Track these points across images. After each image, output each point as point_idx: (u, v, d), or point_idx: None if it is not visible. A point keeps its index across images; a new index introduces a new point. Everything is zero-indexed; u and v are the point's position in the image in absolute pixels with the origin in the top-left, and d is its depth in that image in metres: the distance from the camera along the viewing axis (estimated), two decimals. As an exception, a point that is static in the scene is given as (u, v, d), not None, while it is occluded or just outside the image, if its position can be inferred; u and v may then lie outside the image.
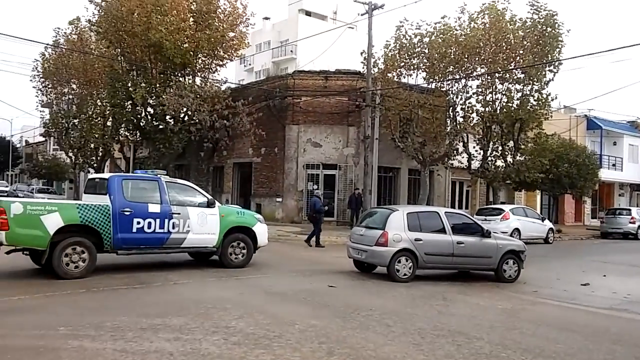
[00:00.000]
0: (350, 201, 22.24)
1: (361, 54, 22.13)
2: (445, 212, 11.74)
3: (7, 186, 45.00)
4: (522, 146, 24.47)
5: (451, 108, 23.15)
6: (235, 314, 7.16)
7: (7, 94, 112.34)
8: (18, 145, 64.10)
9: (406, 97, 21.71)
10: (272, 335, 6.22)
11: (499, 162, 24.63)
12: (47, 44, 29.99)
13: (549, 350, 6.13)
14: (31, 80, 31.38)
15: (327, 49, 32.33)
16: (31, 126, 55.86)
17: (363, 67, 22.23)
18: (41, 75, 30.89)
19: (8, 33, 33.06)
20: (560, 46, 22.29)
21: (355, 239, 11.87)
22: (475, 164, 24.84)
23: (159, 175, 11.08)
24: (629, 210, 27.70)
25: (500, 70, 21.74)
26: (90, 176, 13.79)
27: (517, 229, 21.04)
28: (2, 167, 60.08)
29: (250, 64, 59.56)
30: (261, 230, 12.00)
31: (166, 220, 10.43)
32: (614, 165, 36.29)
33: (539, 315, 8.25)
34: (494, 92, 23.23)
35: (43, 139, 47.28)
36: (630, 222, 26.25)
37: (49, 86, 31.15)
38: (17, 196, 32.37)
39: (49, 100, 32.09)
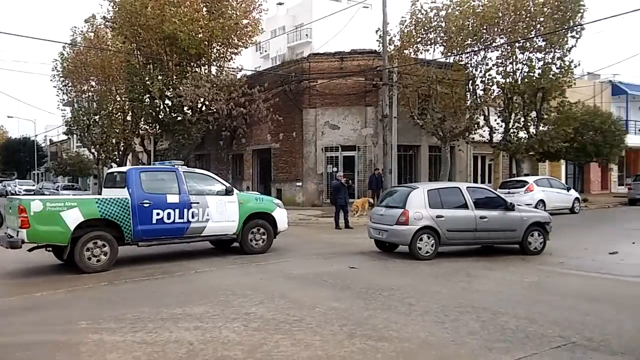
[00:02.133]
0: (371, 182, 22.05)
1: (376, 32, 21.74)
2: (467, 187, 11.51)
3: (33, 185, 45.96)
4: (545, 116, 23.89)
5: (470, 81, 22.68)
6: (256, 300, 7.13)
7: (30, 95, 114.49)
8: (42, 145, 65.36)
9: (424, 73, 21.30)
10: (292, 319, 6.16)
11: (522, 134, 24.09)
12: (65, 43, 30.34)
13: (577, 322, 5.95)
14: (51, 80, 31.88)
15: (342, 30, 31.96)
16: (54, 125, 56.87)
17: (379, 46, 21.84)
18: (61, 74, 31.32)
19: (27, 34, 33.44)
20: (581, 10, 21.56)
21: (375, 219, 11.74)
22: (497, 137, 24.37)
23: (176, 166, 11.09)
24: (658, 175, 26.87)
25: (520, 39, 21.15)
26: (108, 170, 13.88)
27: (541, 200, 20.63)
28: (28, 167, 61.36)
29: (265, 51, 59.32)
30: (281, 216, 11.96)
31: (185, 210, 10.44)
32: (640, 130, 35.24)
33: (566, 287, 8.03)
34: (514, 63, 22.65)
35: (66, 137, 48.10)
36: (660, 188, 25.47)
37: (69, 85, 31.58)
38: (44, 194, 33.04)
39: (70, 99, 32.55)
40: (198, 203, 10.63)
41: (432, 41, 21.53)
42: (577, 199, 22.68)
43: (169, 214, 10.25)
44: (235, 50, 24.88)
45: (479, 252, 11.69)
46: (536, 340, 5.31)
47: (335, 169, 24.13)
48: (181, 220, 10.40)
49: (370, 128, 24.15)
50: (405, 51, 21.67)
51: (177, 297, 7.37)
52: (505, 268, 9.80)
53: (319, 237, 15.14)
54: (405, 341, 5.35)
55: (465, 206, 11.03)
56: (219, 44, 24.03)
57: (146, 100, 25.35)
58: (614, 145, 27.07)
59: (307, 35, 54.83)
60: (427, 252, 10.67)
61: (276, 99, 24.08)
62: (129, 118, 30.12)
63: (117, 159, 31.82)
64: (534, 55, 22.18)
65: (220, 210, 10.93)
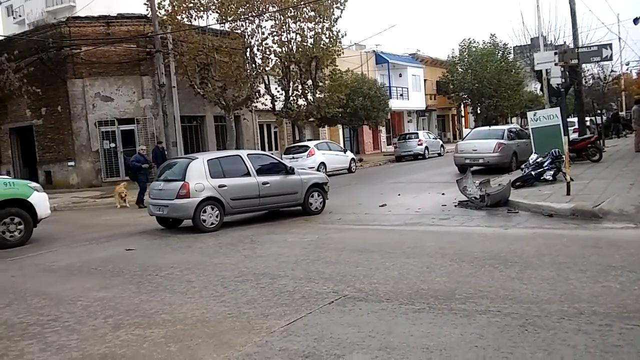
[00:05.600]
0: (155, 156, 20.72)
1: (143, -5, 20.15)
2: (248, 155, 11.42)
3: None
4: (320, 83, 25.22)
5: (248, 50, 22.66)
6: (1, 303, 5.93)
7: None
8: None
9: (200, 41, 20.54)
10: (45, 320, 5.23)
11: (301, 101, 25.12)
12: None
13: (350, 275, 6.18)
14: None
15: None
16: None
17: (147, 10, 20.28)
18: None
19: None
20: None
21: (154, 194, 10.95)
22: (279, 105, 25.00)
23: None
24: (417, 134, 30.70)
25: (290, 8, 21.72)
26: None
27: (323, 163, 21.92)
28: None
29: (20, 15, 51.25)
30: (40, 201, 10.36)
31: None
32: (401, 95, 39.81)
33: (342, 242, 8.44)
34: (288, 32, 23.31)
35: None
36: (418, 145, 29.12)
37: None
38: None
39: None
40: None
41: (205, 7, 20.82)
42: (353, 159, 24.64)
43: None
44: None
45: (266, 218, 11.78)
46: (311, 299, 5.33)
47: (113, 145, 22.19)
48: None
49: (148, 99, 22.60)
50: (178, 17, 20.56)
51: None
52: (288, 230, 9.97)
53: (96, 220, 13.68)
54: (179, 323, 4.90)
55: (247, 174, 10.93)
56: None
57: None
58: (380, 109, 30.00)
59: (69, -3, 48.83)
60: (212, 224, 10.31)
61: (31, 69, 20.87)
62: None
63: None
64: (305, 25, 23.08)
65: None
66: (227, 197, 10.45)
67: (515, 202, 10.63)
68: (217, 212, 10.36)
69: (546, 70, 11.87)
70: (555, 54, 9.92)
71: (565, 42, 18.95)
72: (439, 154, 30.14)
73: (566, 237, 7.60)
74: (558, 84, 11.34)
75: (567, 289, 5.14)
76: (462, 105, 45.18)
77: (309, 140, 26.30)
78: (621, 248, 6.65)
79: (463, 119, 48.16)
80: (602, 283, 5.26)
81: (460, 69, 39.90)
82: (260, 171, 11.11)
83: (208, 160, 10.59)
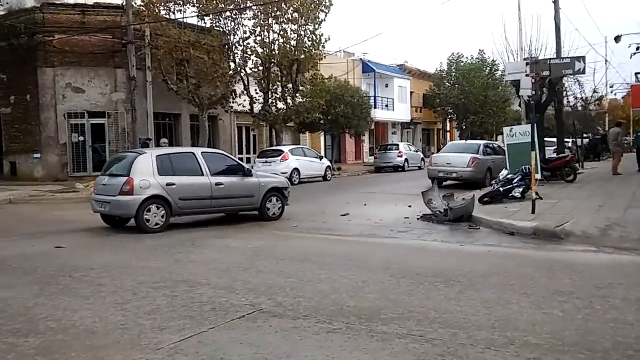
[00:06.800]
0: None
1: (122, -16, 19.61)
2: (202, 153, 10.86)
3: None
4: (301, 87, 24.72)
5: (228, 48, 22.15)
6: None
7: None
8: None
9: (176, 35, 19.97)
10: None
11: (280, 104, 24.59)
12: None
13: (277, 287, 5.63)
14: None
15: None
16: None
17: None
18: None
19: None
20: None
21: (99, 189, 10.32)
22: (258, 107, 24.45)
23: None
24: (397, 145, 30.32)
25: (271, 4, 21.26)
26: None
27: (296, 169, 21.35)
28: None
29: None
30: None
31: None
32: (386, 105, 39.43)
33: (287, 250, 7.90)
34: (270, 32, 22.87)
35: None
36: (398, 156, 28.71)
37: None
38: None
39: None
40: None
41: (184, 0, 20.30)
42: (329, 167, 24.10)
43: None
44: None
45: (221, 221, 11.23)
46: (221, 312, 4.77)
47: (81, 138, 21.50)
48: None
49: (121, 92, 21.87)
50: (155, 9, 20.01)
51: None
52: (237, 235, 9.42)
53: (45, 215, 12.97)
54: (62, 332, 4.32)
55: (200, 173, 10.34)
56: None
57: None
58: (362, 118, 29.53)
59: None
60: (157, 224, 9.70)
61: (1, 55, 20.16)
62: None
63: None
64: (288, 26, 22.63)
65: None
66: (175, 196, 9.86)
67: (478, 218, 10.17)
68: (163, 212, 9.75)
69: (517, 81, 11.52)
70: (527, 64, 9.50)
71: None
72: (419, 167, 29.74)
73: (520, 257, 7.13)
74: (529, 96, 10.93)
75: (504, 314, 4.64)
76: (448, 120, 44.96)
77: (285, 145, 25.70)
78: (575, 272, 6.18)
79: (448, 133, 47.92)
80: (544, 309, 4.77)
81: (447, 83, 39.68)
82: (215, 171, 10.52)
83: (157, 156, 10.00)
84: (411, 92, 43.22)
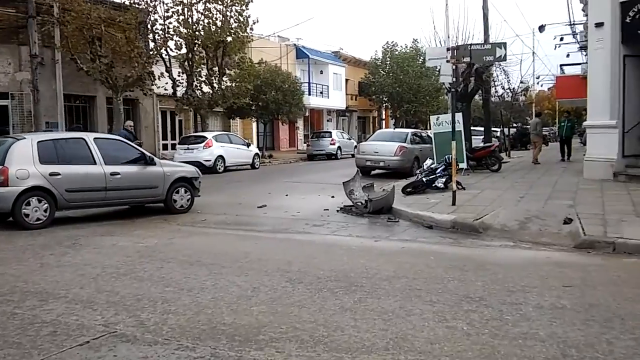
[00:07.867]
0: (127, 138, 17.97)
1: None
2: (95, 138, 9.67)
3: None
4: (227, 71, 23.54)
5: (145, 27, 20.64)
6: None
7: None
8: None
9: (86, 11, 18.30)
10: None
11: (206, 88, 23.33)
12: None
13: (147, 299, 4.74)
14: None
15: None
16: None
17: (25, -31, 17.81)
18: None
19: None
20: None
21: (-29, 180, 8.95)
22: (182, 91, 23.08)
23: None
24: (330, 133, 29.73)
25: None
26: None
27: (221, 156, 20.31)
28: None
29: None
30: None
31: None
32: (321, 92, 38.72)
33: (181, 249, 6.97)
34: (193, 11, 21.55)
35: None
36: (331, 144, 28.16)
37: None
38: None
39: None
40: None
41: (96, -27, 18.66)
42: (257, 154, 23.17)
43: None
44: None
45: (123, 214, 10.18)
46: (62, 337, 3.85)
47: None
48: None
49: (26, 72, 19.90)
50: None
51: None
52: (131, 231, 8.39)
53: None
54: None
55: (91, 161, 9.19)
56: None
57: None
58: (293, 104, 28.64)
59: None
60: (39, 220, 8.51)
61: None
62: None
63: None
64: (212, 5, 21.36)
65: None
66: (60, 187, 8.68)
67: (398, 210, 9.64)
68: (46, 205, 8.57)
69: (437, 67, 11.10)
70: (448, 49, 9.00)
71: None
72: (353, 155, 29.24)
73: (434, 255, 6.58)
74: (450, 84, 10.51)
75: (402, 330, 3.98)
76: (383, 108, 44.88)
77: (209, 131, 24.48)
78: (488, 272, 5.66)
79: (384, 121, 47.94)
80: (449, 322, 4.16)
81: (382, 72, 39.45)
82: (110, 159, 9.40)
83: (38, 142, 8.75)
84: (346, 80, 42.75)
